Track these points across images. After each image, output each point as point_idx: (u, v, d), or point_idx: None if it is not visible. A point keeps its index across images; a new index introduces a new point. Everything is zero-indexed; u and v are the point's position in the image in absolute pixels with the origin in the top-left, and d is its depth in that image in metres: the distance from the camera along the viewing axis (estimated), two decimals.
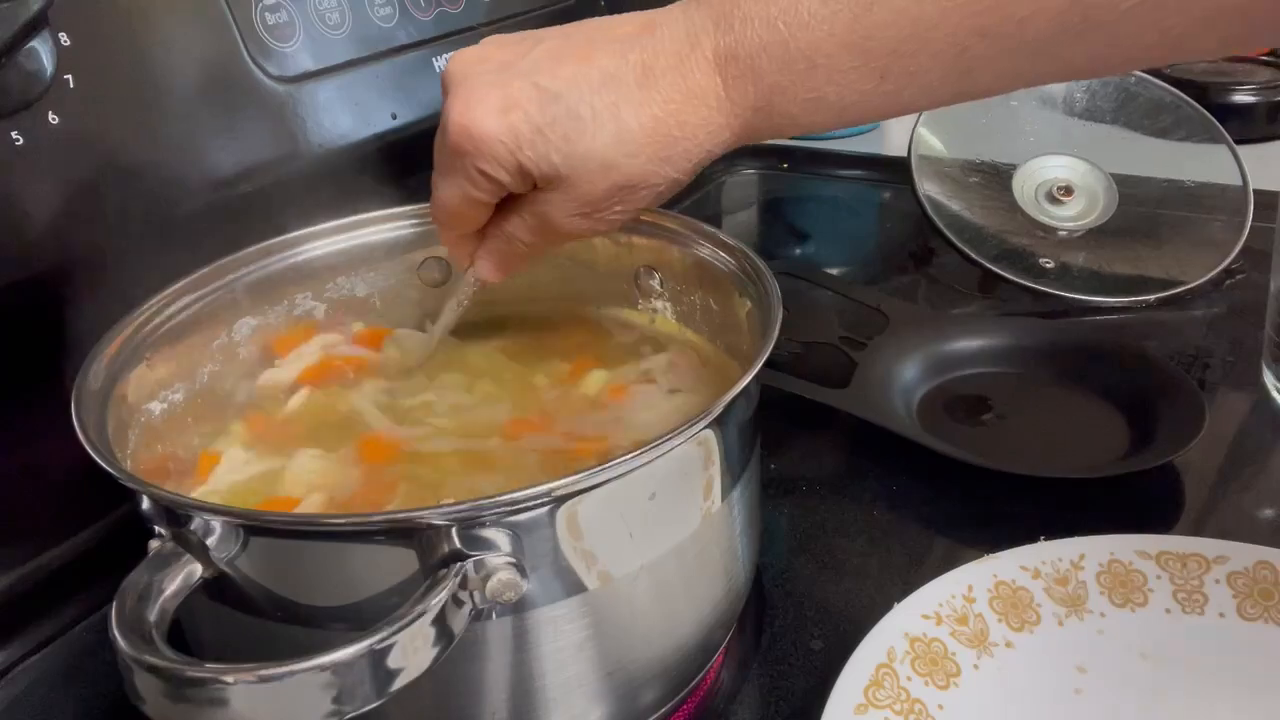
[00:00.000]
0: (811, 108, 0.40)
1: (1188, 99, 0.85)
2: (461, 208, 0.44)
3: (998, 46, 0.37)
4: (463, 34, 0.72)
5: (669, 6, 0.42)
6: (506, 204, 0.45)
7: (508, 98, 0.40)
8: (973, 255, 0.79)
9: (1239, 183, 0.81)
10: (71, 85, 0.51)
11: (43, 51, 0.49)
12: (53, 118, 0.50)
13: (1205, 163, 0.83)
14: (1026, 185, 0.84)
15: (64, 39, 0.50)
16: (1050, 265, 0.80)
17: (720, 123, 0.41)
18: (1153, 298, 0.76)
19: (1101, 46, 0.37)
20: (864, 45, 0.38)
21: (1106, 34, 0.36)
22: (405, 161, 0.68)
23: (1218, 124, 0.83)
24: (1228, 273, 0.78)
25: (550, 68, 0.40)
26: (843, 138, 1.10)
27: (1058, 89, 0.88)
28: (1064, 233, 0.82)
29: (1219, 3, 0.35)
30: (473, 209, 0.45)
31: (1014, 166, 0.85)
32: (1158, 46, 0.37)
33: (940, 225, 0.80)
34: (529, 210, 0.44)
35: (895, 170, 1.03)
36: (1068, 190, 0.83)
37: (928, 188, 0.82)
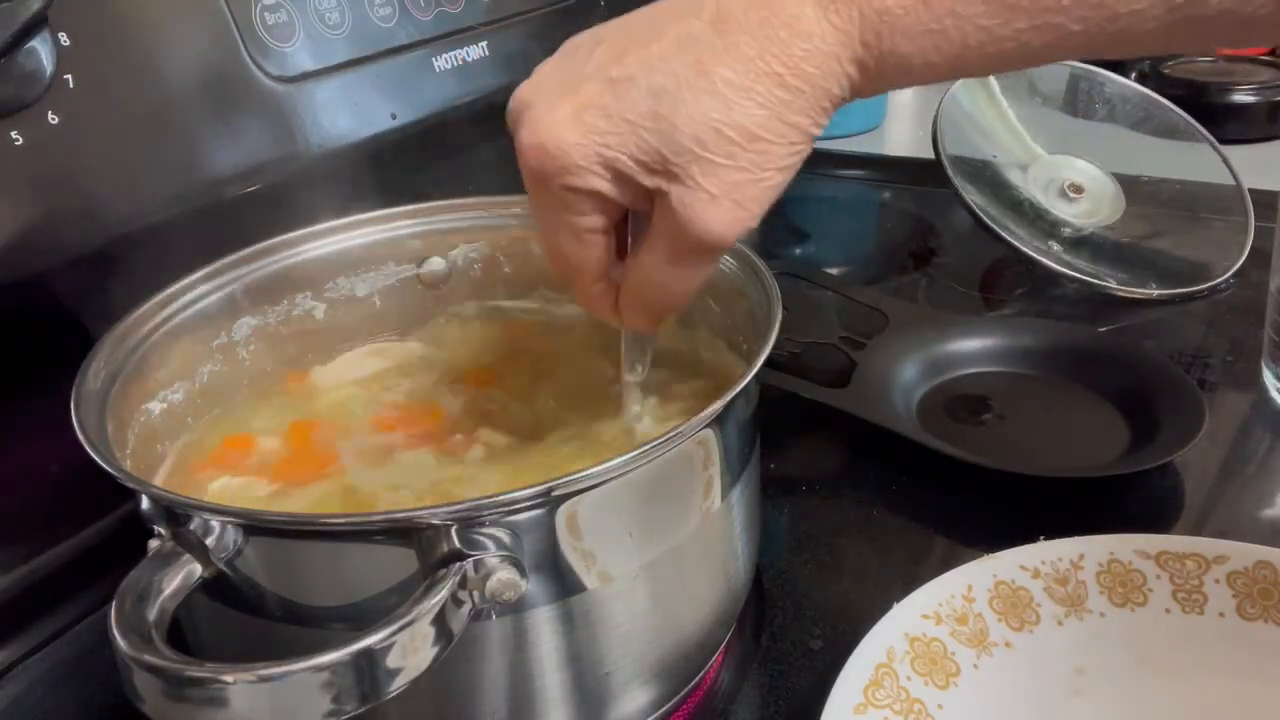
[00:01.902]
0: (928, 43, 0.34)
1: (1177, 108, 0.86)
2: (572, 246, 0.38)
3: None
4: (463, 34, 0.72)
5: None
6: (636, 241, 0.40)
7: (578, 101, 0.35)
8: (1012, 240, 0.78)
9: (1234, 185, 0.82)
10: (71, 85, 0.51)
11: (43, 51, 0.49)
12: (53, 118, 0.50)
13: (1206, 166, 0.84)
14: (1038, 181, 0.84)
15: (64, 39, 0.50)
16: (1064, 254, 0.80)
17: (828, 54, 0.35)
18: (1167, 292, 0.76)
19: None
20: None
21: None
22: (405, 161, 0.68)
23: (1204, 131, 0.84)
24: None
25: (616, 59, 0.36)
26: (843, 137, 1.10)
27: (1063, 93, 0.89)
28: (1070, 230, 0.82)
29: None
30: (585, 243, 0.38)
31: (1025, 165, 0.85)
32: None
33: (982, 217, 0.79)
34: (658, 225, 0.37)
35: (895, 170, 1.03)
36: (1078, 188, 0.84)
37: (960, 182, 0.81)
